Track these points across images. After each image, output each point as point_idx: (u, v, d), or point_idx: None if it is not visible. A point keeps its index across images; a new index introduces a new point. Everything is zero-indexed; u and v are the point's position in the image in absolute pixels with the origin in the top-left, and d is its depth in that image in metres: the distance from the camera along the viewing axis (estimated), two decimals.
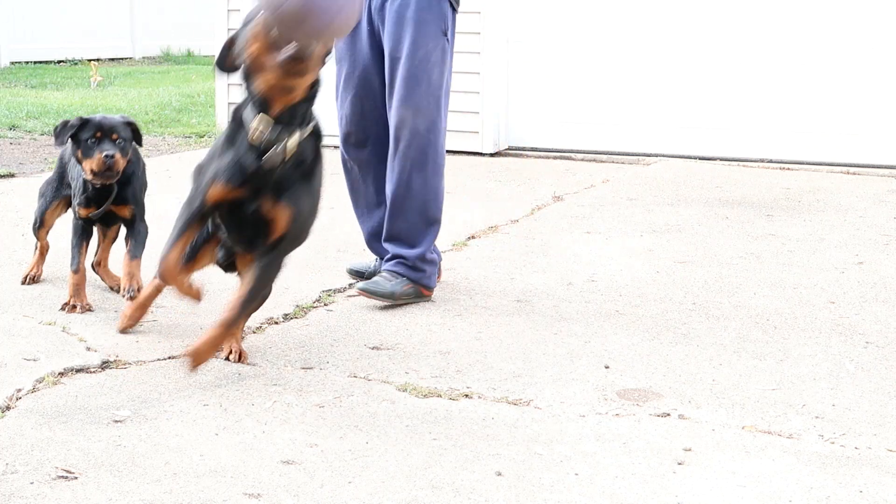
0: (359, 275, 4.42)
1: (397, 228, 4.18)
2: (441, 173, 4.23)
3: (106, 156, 3.83)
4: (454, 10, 4.19)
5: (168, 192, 6.38)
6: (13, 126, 9.15)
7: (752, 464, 2.75)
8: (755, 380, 3.35)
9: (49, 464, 2.67)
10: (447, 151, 4.35)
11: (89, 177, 3.90)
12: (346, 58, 4.24)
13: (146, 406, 3.06)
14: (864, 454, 2.82)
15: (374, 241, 4.39)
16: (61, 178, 4.24)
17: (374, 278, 4.13)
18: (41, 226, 4.32)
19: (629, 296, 4.25)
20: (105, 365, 3.40)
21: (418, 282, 4.13)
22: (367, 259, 4.54)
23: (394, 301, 4.06)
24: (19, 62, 16.10)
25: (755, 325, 3.90)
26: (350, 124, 4.27)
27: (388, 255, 4.20)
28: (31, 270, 4.38)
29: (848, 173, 7.11)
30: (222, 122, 8.92)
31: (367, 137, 4.27)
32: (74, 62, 16.47)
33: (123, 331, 3.71)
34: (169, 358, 3.48)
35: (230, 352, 3.45)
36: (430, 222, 4.20)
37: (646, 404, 3.15)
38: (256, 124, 3.14)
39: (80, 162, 3.94)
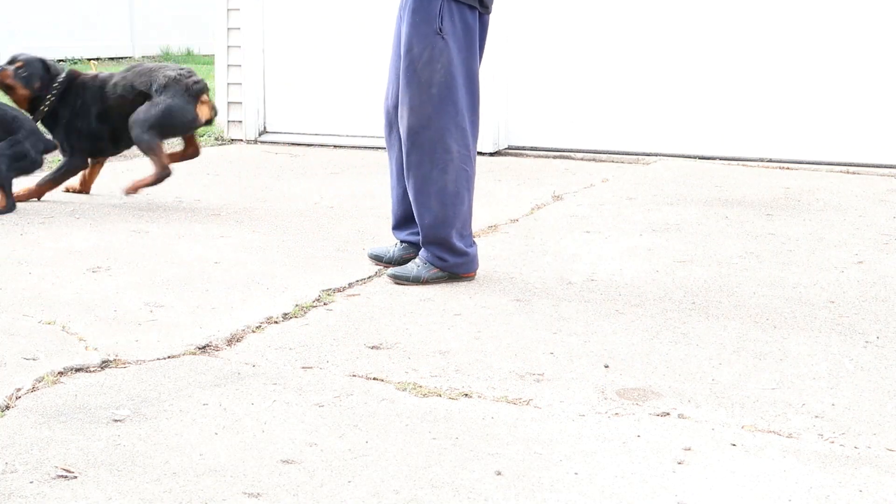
0: (378, 259, 4.65)
1: (419, 218, 4.41)
2: (448, 169, 4.32)
3: None
4: (464, 3, 4.26)
5: (168, 191, 6.38)
6: None
7: (751, 463, 2.74)
8: (755, 379, 3.35)
9: (48, 463, 2.67)
10: None
11: None
12: (393, 47, 4.49)
13: (146, 405, 3.06)
14: (863, 454, 2.82)
15: (395, 226, 4.66)
16: None
17: (407, 265, 4.43)
18: None
19: (629, 295, 4.25)
20: (105, 364, 3.39)
21: (449, 270, 4.42)
22: (389, 243, 4.76)
23: (421, 284, 4.37)
24: None
25: (755, 324, 3.90)
26: (387, 102, 4.55)
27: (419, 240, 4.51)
28: None
29: (848, 173, 7.11)
30: (222, 121, 8.91)
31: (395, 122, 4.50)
32: (74, 61, 16.46)
33: None
34: (169, 357, 3.48)
35: None
36: (440, 216, 4.35)
37: (645, 404, 3.15)
38: None
39: None
